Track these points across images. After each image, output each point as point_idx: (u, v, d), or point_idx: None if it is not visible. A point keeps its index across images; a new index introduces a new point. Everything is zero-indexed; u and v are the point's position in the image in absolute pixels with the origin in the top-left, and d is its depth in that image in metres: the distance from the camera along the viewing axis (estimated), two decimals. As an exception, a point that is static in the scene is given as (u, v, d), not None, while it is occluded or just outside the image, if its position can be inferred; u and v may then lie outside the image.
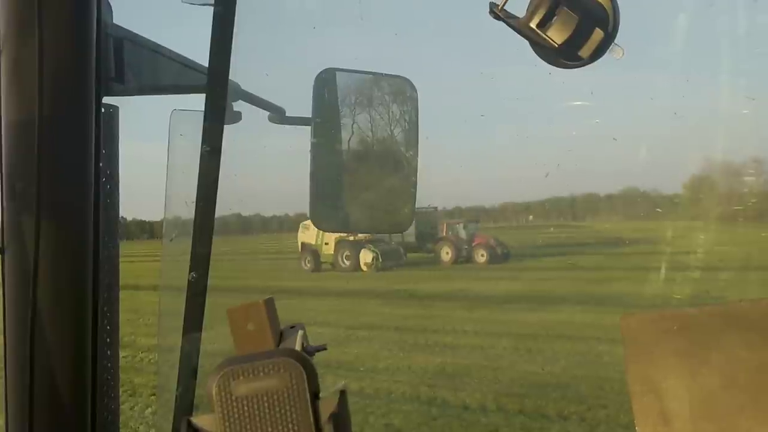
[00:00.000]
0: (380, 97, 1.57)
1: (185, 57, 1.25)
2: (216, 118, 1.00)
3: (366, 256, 30.77)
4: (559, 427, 6.59)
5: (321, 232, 32.04)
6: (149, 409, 8.15)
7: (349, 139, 1.50)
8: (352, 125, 1.50)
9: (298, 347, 0.78)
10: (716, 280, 18.40)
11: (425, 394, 8.19)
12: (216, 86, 1.00)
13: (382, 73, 1.59)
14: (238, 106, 1.43)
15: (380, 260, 31.05)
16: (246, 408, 0.58)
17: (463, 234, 34.68)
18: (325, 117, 1.47)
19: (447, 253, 33.55)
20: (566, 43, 0.78)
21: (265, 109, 1.55)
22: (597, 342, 10.58)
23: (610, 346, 10.24)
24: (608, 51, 0.81)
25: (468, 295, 18.05)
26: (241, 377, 0.59)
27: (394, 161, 1.59)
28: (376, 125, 1.53)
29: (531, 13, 0.78)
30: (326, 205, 1.48)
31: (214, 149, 1.00)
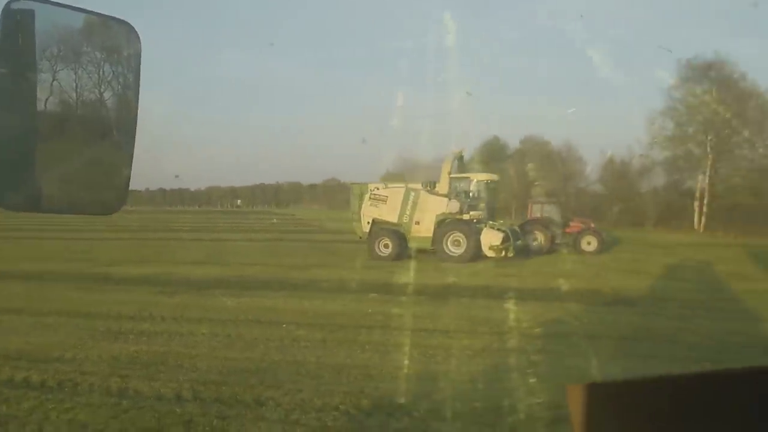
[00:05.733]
0: (93, 45, 1.28)
1: None
2: None
3: (492, 237, 23.39)
4: (255, 414, 6.60)
5: (408, 206, 24.41)
6: None
7: (44, 97, 1.21)
8: (49, 80, 1.21)
9: None
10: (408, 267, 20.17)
11: (116, 385, 7.66)
12: None
13: (96, 13, 1.26)
14: None
15: (512, 242, 23.87)
16: None
17: (556, 216, 29.18)
18: (8, 65, 1.17)
19: (535, 239, 27.82)
20: None
21: None
22: (296, 327, 10.89)
23: (308, 331, 10.62)
24: None
25: (170, 279, 17.41)
26: None
27: (105, 128, 1.33)
28: (83, 81, 1.26)
29: None
30: (9, 177, 1.20)
31: None
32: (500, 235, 23.38)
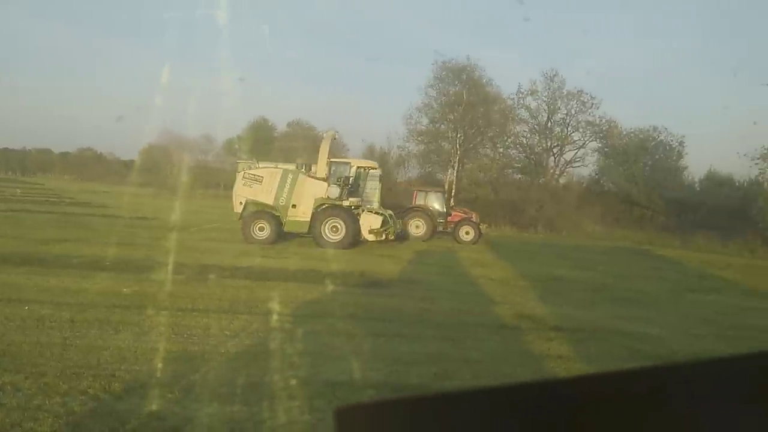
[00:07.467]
0: None
1: None
2: None
3: (372, 221, 23.57)
4: (-9, 399, 6.08)
5: (285, 188, 22.39)
6: None
7: None
8: None
9: None
10: (154, 239, 19.52)
11: None
12: None
13: None
14: None
15: (392, 225, 24.39)
16: None
17: (439, 205, 30.83)
18: None
19: (418, 226, 29.32)
20: None
21: None
22: (40, 306, 10.11)
23: (53, 310, 9.90)
24: None
25: None
26: None
27: None
28: None
29: None
30: None
31: None
32: (380, 219, 23.74)
